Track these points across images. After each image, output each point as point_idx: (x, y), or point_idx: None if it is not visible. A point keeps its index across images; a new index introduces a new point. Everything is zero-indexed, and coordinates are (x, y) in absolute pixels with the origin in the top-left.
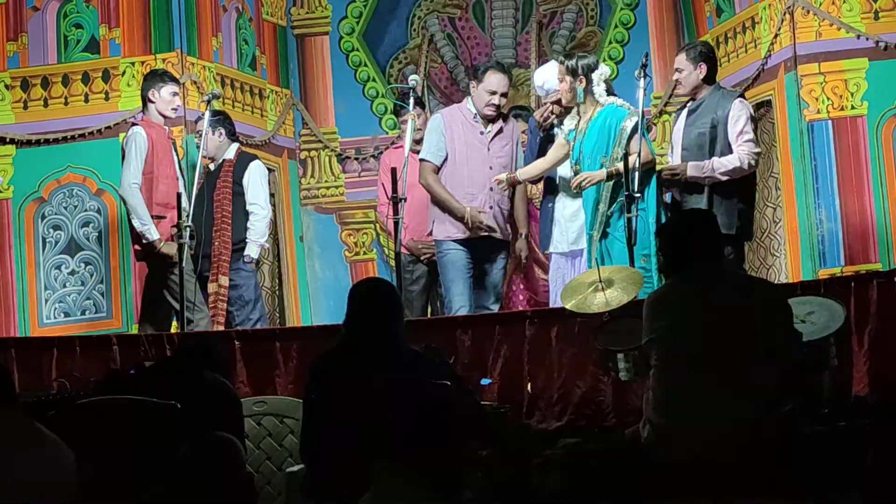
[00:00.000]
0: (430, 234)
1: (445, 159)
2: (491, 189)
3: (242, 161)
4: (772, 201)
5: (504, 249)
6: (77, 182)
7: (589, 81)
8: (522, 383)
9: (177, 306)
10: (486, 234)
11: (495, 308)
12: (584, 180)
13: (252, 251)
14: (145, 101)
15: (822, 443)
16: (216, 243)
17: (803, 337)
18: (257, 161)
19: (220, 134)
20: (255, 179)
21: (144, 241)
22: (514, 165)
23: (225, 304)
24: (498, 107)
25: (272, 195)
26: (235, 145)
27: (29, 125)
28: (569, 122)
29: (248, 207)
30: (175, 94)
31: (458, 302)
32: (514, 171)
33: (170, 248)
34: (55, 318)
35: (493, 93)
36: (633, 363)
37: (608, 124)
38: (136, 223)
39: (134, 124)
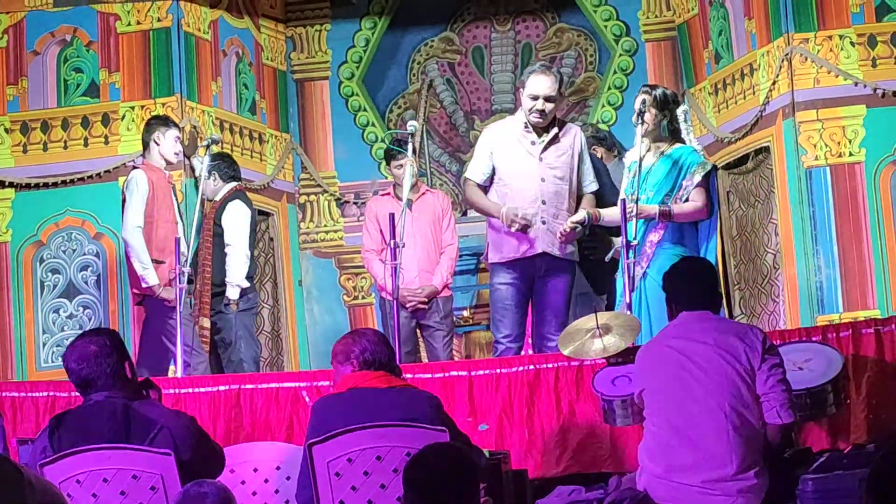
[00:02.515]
0: (485, 257)
1: (493, 177)
2: (544, 202)
3: (224, 203)
4: (771, 248)
5: (564, 270)
6: (76, 226)
7: (674, 117)
8: (519, 429)
9: (175, 350)
10: (541, 251)
11: (557, 338)
12: (637, 211)
13: (231, 293)
14: (147, 144)
15: (820, 492)
16: (197, 285)
17: (802, 384)
18: (237, 200)
19: (215, 177)
20: (232, 219)
21: (144, 286)
22: (573, 177)
23: (207, 347)
24: (542, 112)
25: (271, 239)
26: (229, 186)
27: (28, 168)
28: (632, 154)
29: (225, 249)
30: (178, 138)
31: (503, 343)
32: (572, 181)
33: (168, 293)
34: (53, 361)
35: (535, 97)
36: (631, 410)
37: (681, 164)
38: (137, 267)
39: (134, 167)
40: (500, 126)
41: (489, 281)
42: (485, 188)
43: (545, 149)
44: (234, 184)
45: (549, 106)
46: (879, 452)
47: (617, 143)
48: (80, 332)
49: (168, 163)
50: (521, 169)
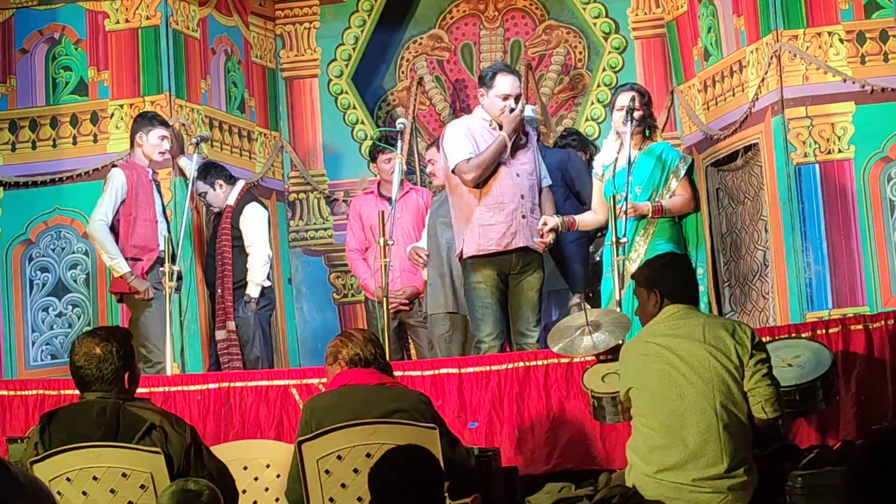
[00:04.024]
0: (459, 255)
1: None
2: (522, 197)
3: (240, 206)
4: (761, 244)
5: (537, 266)
6: (65, 224)
7: (652, 114)
8: (509, 426)
9: (141, 350)
10: (522, 245)
11: (535, 333)
12: (629, 209)
13: (252, 291)
14: (132, 142)
15: (809, 488)
16: (219, 291)
17: (791, 380)
18: (253, 203)
19: (221, 185)
20: (251, 221)
21: (116, 275)
22: (537, 171)
23: (237, 349)
24: (513, 110)
25: None
26: (237, 188)
27: (17, 167)
28: (606, 155)
29: (246, 249)
30: (163, 137)
31: (488, 342)
32: (537, 176)
33: (140, 284)
34: (42, 360)
35: (507, 97)
36: (620, 407)
37: (664, 159)
38: (104, 259)
39: (114, 165)
40: (467, 123)
41: (464, 280)
42: None
43: (513, 145)
44: (242, 183)
45: (519, 104)
46: (860, 445)
47: (590, 143)
48: (69, 330)
49: (152, 161)
50: (497, 164)
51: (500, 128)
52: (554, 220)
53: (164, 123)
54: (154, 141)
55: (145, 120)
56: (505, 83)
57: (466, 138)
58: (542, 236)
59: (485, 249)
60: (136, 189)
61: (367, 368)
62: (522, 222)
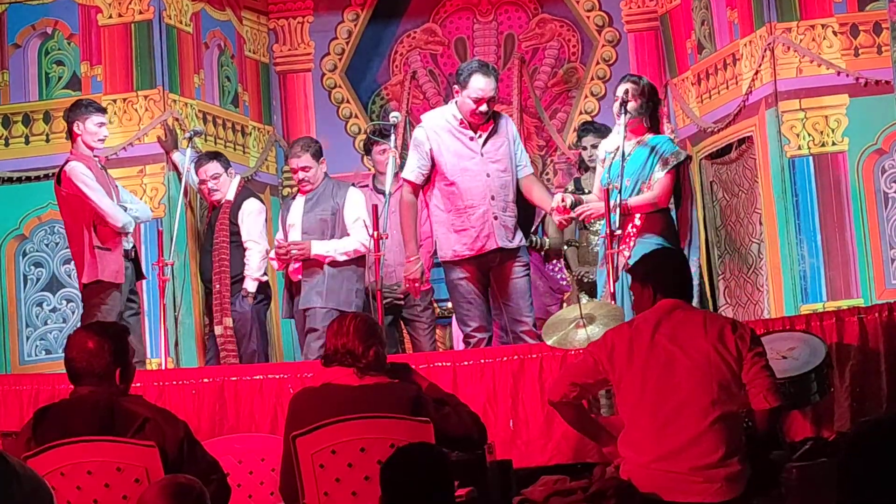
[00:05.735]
0: (434, 254)
1: (435, 175)
2: (493, 198)
3: (238, 201)
4: (755, 237)
5: (518, 254)
6: (58, 219)
7: (655, 108)
8: (504, 419)
9: None
10: (496, 247)
11: (530, 318)
12: (591, 213)
13: (249, 285)
14: (71, 134)
15: (803, 479)
16: (217, 287)
17: (785, 373)
18: (251, 198)
19: (231, 173)
20: (249, 216)
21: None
22: (513, 167)
23: (234, 346)
24: (485, 114)
25: None
26: (235, 183)
27: (10, 162)
28: (609, 143)
29: (244, 244)
30: (101, 124)
31: (476, 336)
32: (513, 171)
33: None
34: (36, 355)
35: (479, 100)
36: (614, 400)
37: (658, 152)
38: (125, 219)
39: (67, 161)
40: (435, 122)
41: (445, 277)
42: (420, 188)
43: (485, 143)
44: (238, 178)
45: (492, 106)
46: (848, 436)
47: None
48: (63, 325)
49: (93, 150)
50: (466, 166)
51: (471, 127)
52: (570, 197)
53: (101, 109)
54: (92, 128)
55: (80, 108)
56: (479, 85)
57: (424, 156)
58: (559, 212)
59: (460, 255)
60: (97, 179)
61: (348, 368)
62: (495, 223)
